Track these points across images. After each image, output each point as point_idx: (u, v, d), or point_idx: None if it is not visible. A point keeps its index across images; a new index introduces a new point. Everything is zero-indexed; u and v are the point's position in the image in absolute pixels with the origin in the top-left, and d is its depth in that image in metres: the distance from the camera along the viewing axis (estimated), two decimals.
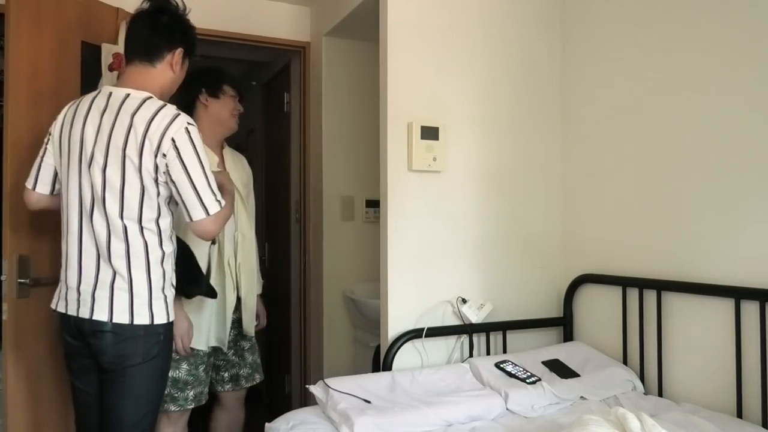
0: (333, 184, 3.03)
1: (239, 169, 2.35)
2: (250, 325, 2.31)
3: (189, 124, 1.63)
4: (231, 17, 2.98)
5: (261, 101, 4.20)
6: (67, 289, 1.67)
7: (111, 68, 2.21)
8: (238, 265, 2.24)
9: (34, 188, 1.77)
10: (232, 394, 2.34)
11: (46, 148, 1.77)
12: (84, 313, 1.61)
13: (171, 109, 1.63)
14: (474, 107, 2.32)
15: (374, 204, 2.98)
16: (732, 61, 1.80)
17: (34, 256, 2.02)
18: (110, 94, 1.67)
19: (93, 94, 1.73)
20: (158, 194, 1.63)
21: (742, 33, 1.77)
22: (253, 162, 2.51)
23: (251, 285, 2.31)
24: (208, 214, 1.62)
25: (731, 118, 1.80)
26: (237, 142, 2.46)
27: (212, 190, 1.63)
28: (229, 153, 2.35)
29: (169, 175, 1.60)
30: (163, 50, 1.73)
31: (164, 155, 1.58)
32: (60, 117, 1.75)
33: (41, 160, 1.77)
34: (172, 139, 1.58)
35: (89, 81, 2.19)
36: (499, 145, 2.36)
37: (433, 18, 2.24)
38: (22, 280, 1.98)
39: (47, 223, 2.05)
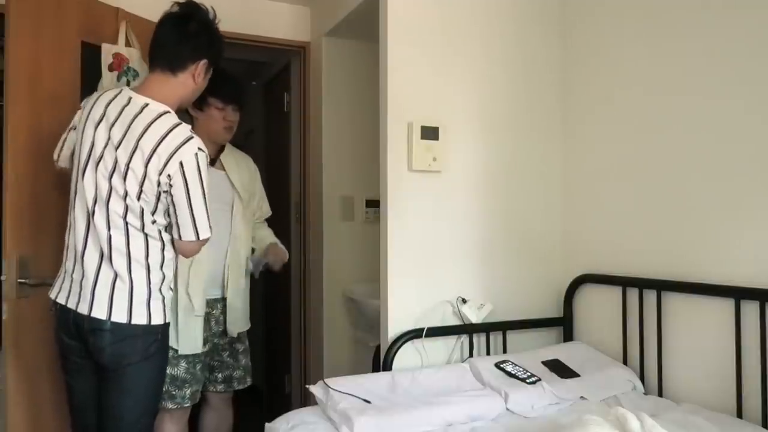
0: (333, 184, 3.03)
1: (241, 170, 2.34)
2: (234, 326, 2.28)
3: (200, 149, 1.63)
4: (231, 17, 2.97)
5: (261, 101, 4.20)
6: (71, 281, 1.67)
7: (111, 68, 2.21)
8: (227, 266, 2.23)
9: (57, 160, 1.85)
10: (220, 395, 2.34)
11: (69, 132, 1.78)
12: (83, 309, 1.62)
13: (185, 130, 1.63)
14: (474, 107, 2.32)
15: (374, 204, 2.97)
16: (732, 61, 1.80)
17: (34, 256, 2.02)
18: (130, 99, 1.65)
19: (112, 93, 1.69)
20: (157, 205, 1.64)
21: (742, 32, 1.77)
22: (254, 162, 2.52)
23: (237, 285, 2.28)
24: (198, 238, 1.67)
25: (731, 118, 1.80)
26: (237, 142, 2.46)
27: (207, 217, 1.67)
28: (230, 153, 2.34)
29: (171, 195, 1.62)
30: (187, 61, 1.71)
31: (169, 176, 1.59)
32: (82, 111, 1.74)
33: (65, 137, 1.80)
34: (180, 163, 1.59)
35: (89, 81, 2.19)
36: (499, 145, 2.36)
37: (433, 18, 2.24)
38: (22, 280, 1.98)
39: (47, 223, 2.05)
